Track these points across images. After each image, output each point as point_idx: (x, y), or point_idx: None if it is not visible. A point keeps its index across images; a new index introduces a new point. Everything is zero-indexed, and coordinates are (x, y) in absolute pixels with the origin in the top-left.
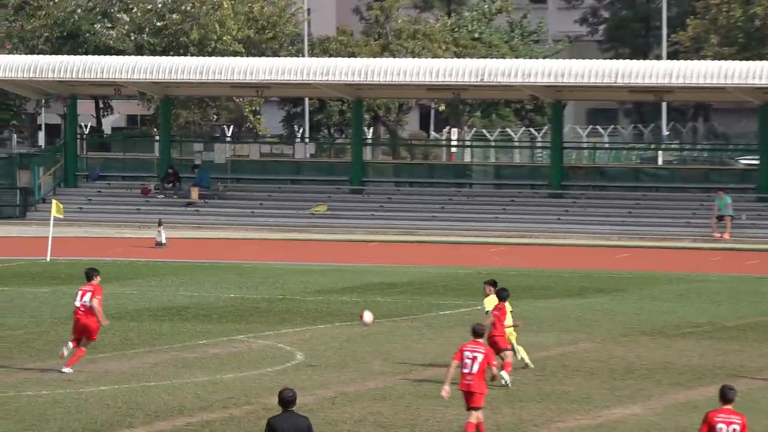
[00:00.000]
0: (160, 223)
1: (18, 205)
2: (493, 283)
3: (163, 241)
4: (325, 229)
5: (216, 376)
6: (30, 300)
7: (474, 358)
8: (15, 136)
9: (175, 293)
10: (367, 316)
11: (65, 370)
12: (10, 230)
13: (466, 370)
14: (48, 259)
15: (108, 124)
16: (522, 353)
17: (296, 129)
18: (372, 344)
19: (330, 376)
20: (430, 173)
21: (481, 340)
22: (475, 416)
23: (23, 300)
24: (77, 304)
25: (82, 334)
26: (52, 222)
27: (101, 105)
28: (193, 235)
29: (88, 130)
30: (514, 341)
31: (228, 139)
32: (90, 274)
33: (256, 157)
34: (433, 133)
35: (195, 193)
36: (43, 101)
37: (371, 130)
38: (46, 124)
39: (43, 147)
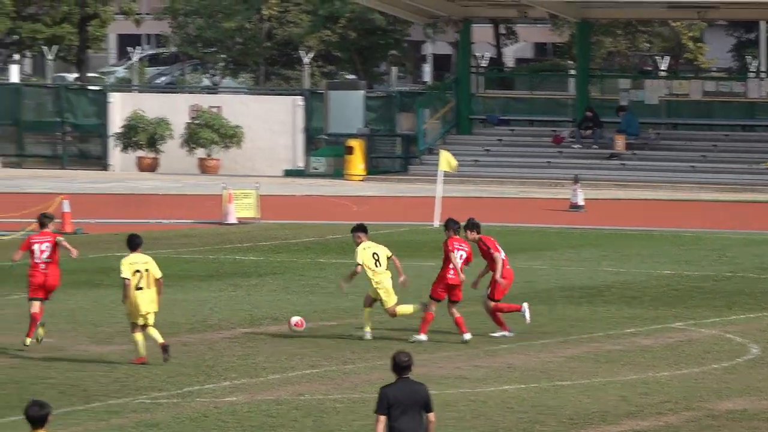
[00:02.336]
0: (576, 180)
1: (398, 157)
2: None
3: (580, 202)
4: None
5: (647, 374)
6: (414, 276)
7: None
8: (394, 69)
9: (595, 269)
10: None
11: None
12: (389, 188)
13: None
14: (436, 225)
15: (510, 54)
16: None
17: (749, 61)
18: None
19: None
20: None
21: None
22: None
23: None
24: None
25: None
26: (440, 178)
27: (502, 31)
28: (617, 196)
29: (485, 62)
30: None
31: (662, 74)
32: (44, 221)
33: (697, 97)
34: None
35: (620, 142)
36: (430, 26)
37: None
38: (433, 55)
39: (429, 83)
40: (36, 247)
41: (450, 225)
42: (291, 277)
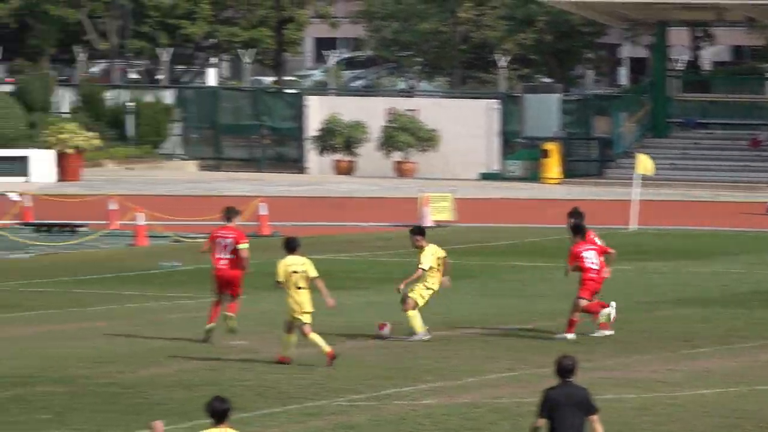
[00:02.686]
0: None
1: (594, 160)
2: None
3: None
4: None
5: None
6: (610, 280)
7: None
8: (590, 72)
9: None
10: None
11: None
12: (585, 191)
13: None
14: (632, 228)
15: (707, 57)
16: None
17: None
18: None
19: None
20: None
21: None
22: None
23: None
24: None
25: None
26: (637, 181)
27: (698, 34)
28: None
29: (682, 65)
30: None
31: None
32: (229, 215)
33: None
34: None
35: None
36: (626, 30)
37: None
38: (629, 59)
39: (625, 87)
40: (219, 241)
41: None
42: (486, 280)
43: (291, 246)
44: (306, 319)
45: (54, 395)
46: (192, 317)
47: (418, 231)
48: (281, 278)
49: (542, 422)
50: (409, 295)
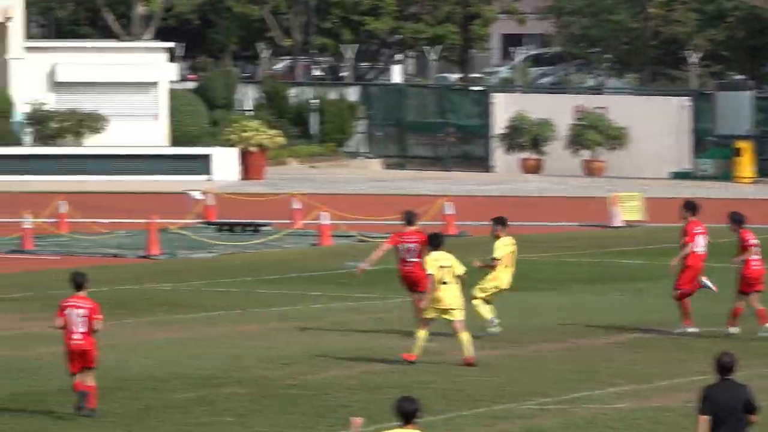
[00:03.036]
0: None
1: None
2: None
3: None
4: None
5: None
6: None
7: None
8: None
9: None
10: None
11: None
12: None
13: None
14: None
15: None
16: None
17: None
18: None
19: None
20: None
21: None
22: None
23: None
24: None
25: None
26: None
27: None
28: None
29: None
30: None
31: None
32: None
33: None
34: None
35: None
36: None
37: None
38: None
39: None
40: (403, 246)
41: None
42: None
43: (435, 242)
44: (456, 315)
45: (237, 397)
46: (378, 318)
47: (500, 221)
48: (432, 271)
49: (706, 419)
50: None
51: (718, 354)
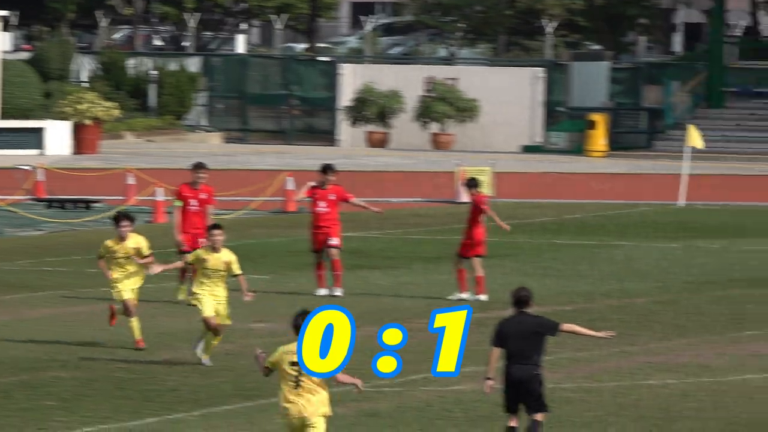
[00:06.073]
0: None
1: (643, 132)
2: None
3: None
4: None
5: None
6: (656, 258)
7: None
8: (643, 39)
9: None
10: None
11: None
12: (632, 164)
13: None
14: (681, 204)
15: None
16: None
17: None
18: None
19: None
20: None
21: None
22: None
23: (647, 259)
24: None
25: None
26: (687, 154)
27: None
28: None
29: (740, 31)
30: None
31: None
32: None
33: None
34: None
35: None
36: None
37: None
38: (684, 24)
39: (679, 54)
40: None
41: None
42: (526, 259)
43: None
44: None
45: (61, 381)
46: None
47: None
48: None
49: (495, 351)
50: None
51: (515, 288)
